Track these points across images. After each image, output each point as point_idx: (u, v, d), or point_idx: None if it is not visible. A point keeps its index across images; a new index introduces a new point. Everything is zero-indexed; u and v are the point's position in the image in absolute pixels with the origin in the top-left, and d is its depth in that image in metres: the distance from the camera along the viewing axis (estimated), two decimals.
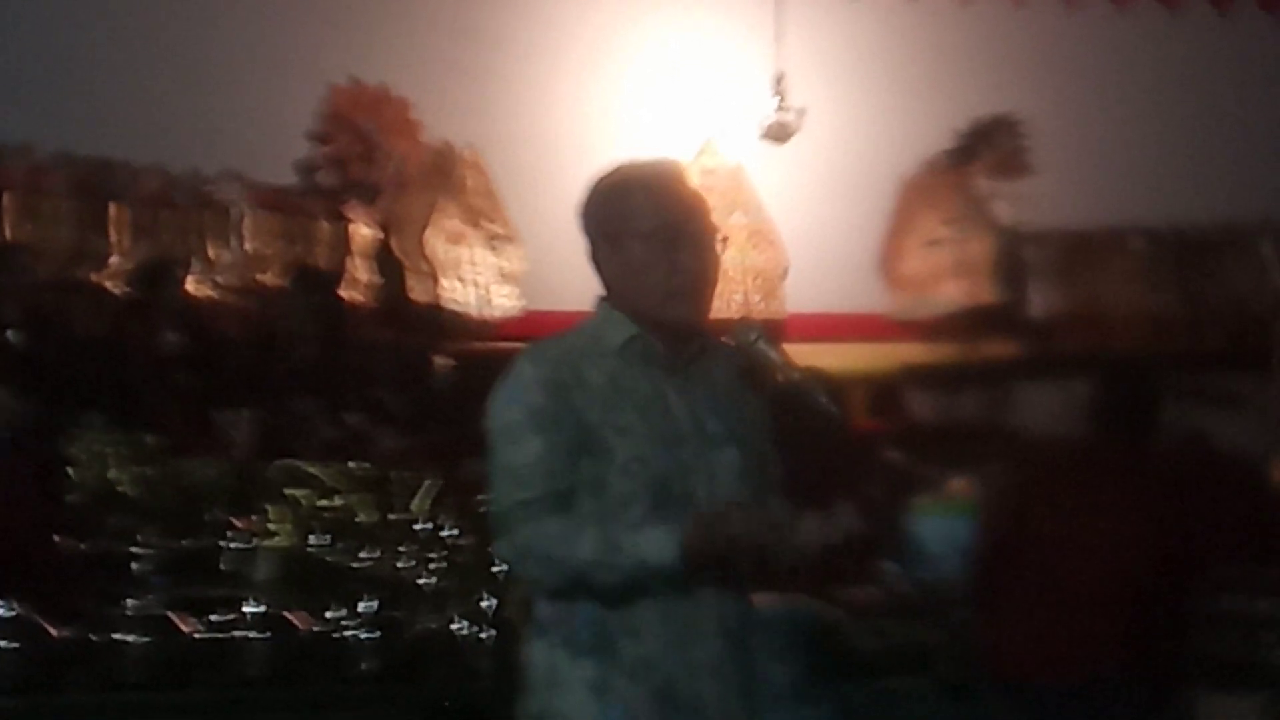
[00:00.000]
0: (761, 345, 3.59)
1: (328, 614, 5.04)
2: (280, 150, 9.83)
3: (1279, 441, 8.37)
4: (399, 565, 5.67)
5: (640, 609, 3.44)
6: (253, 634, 4.90)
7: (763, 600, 3.69)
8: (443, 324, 9.96)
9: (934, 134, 10.75)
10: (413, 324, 9.85)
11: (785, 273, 10.57)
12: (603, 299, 3.60)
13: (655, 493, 3.45)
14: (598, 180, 3.64)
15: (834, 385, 3.69)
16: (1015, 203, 10.71)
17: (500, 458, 3.47)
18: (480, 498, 6.20)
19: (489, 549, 5.60)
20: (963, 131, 10.76)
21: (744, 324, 3.66)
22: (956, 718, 5.13)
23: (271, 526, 6.20)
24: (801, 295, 10.44)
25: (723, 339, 3.66)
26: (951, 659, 5.59)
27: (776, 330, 3.46)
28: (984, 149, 10.74)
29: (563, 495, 3.43)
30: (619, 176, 3.63)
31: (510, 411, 3.47)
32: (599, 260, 3.60)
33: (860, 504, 3.52)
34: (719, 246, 3.61)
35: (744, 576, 3.52)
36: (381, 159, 10.05)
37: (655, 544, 3.38)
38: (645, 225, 3.54)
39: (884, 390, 9.93)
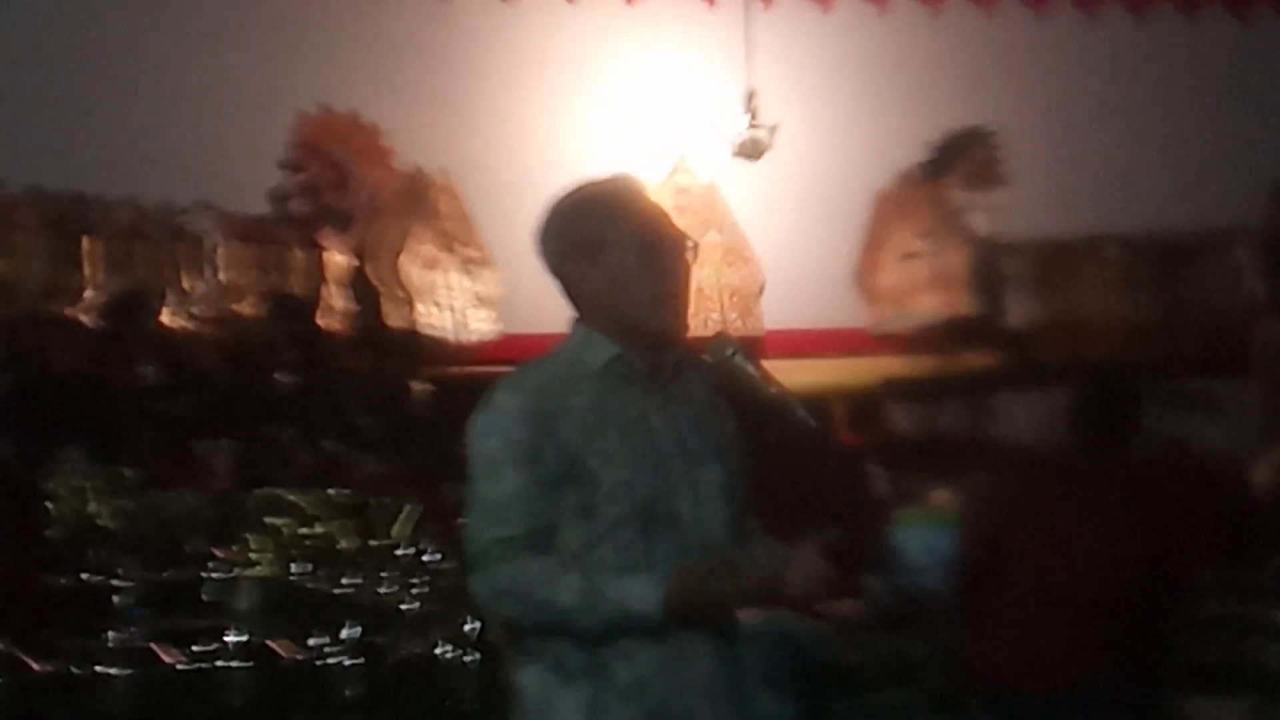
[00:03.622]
0: (738, 360, 3.58)
1: (311, 641, 5.03)
2: (252, 179, 9.82)
3: (1258, 446, 8.37)
4: (381, 591, 5.67)
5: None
6: (236, 663, 4.89)
7: (747, 616, 3.68)
8: (420, 349, 9.95)
9: (907, 147, 10.75)
10: (390, 350, 9.84)
11: (761, 290, 10.57)
12: (577, 320, 3.57)
13: (642, 515, 3.42)
14: (561, 200, 3.60)
15: (811, 401, 3.68)
16: (990, 214, 10.71)
17: (478, 491, 3.43)
18: (461, 522, 6.24)
19: None
20: (936, 144, 10.77)
21: (720, 339, 3.64)
22: None
23: (253, 555, 6.21)
24: (779, 312, 10.45)
25: (699, 355, 3.65)
26: (937, 670, 5.58)
27: (755, 347, 3.47)
28: (958, 161, 10.75)
29: (542, 531, 3.39)
30: (590, 192, 3.61)
31: (489, 444, 3.43)
32: (573, 279, 3.55)
33: (836, 527, 3.50)
34: (689, 255, 3.60)
35: (724, 621, 3.50)
36: (354, 186, 10.05)
37: (638, 594, 3.35)
38: (627, 235, 3.51)
39: (864, 404, 9.94)
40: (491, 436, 3.43)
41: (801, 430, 3.51)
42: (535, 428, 3.41)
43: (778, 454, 3.65)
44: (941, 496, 7.51)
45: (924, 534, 6.70)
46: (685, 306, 3.58)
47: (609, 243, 3.51)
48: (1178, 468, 6.51)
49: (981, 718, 5.51)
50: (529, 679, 3.48)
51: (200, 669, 4.87)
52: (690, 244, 3.61)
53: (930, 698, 5.53)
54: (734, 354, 3.59)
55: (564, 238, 3.56)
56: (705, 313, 9.98)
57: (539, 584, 3.37)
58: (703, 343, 3.63)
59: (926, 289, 10.76)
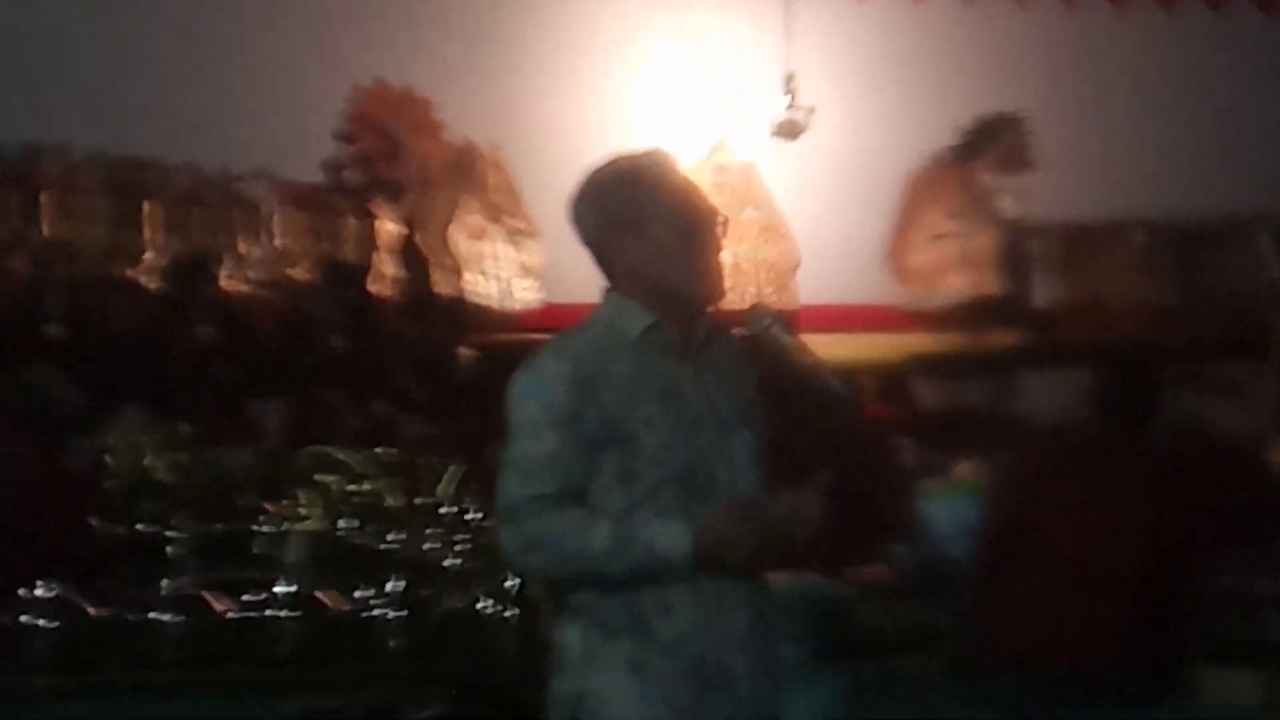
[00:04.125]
0: (775, 330, 3.57)
1: (356, 594, 5.03)
2: (308, 149, 9.85)
3: (1276, 427, 8.33)
4: (425, 547, 5.66)
5: (672, 587, 3.41)
6: (284, 613, 4.88)
7: (777, 579, 3.67)
8: (466, 316, 9.96)
9: (939, 131, 10.72)
10: (437, 316, 9.85)
11: (797, 266, 10.56)
12: (611, 290, 3.56)
13: (682, 478, 3.42)
14: (598, 173, 3.59)
15: (843, 373, 3.66)
16: (1019, 197, 10.70)
17: (516, 450, 3.42)
18: None
19: None
20: (967, 128, 10.74)
21: (758, 310, 3.63)
22: (962, 697, 5.10)
23: (302, 511, 6.20)
24: (813, 287, 10.43)
25: (738, 326, 3.63)
26: (958, 638, 5.56)
27: (790, 321, 3.45)
28: (988, 145, 10.72)
29: (573, 493, 3.39)
30: (627, 166, 3.59)
31: (530, 406, 3.42)
32: (610, 250, 3.54)
33: (852, 480, 3.50)
34: (720, 229, 3.59)
35: (752, 566, 3.48)
36: (406, 158, 10.05)
37: (668, 537, 3.35)
38: (665, 210, 3.51)
39: (893, 378, 9.93)
40: (532, 399, 3.43)
41: (835, 399, 3.50)
42: (575, 392, 3.40)
43: (811, 422, 3.63)
44: (966, 469, 7.48)
45: (949, 505, 6.67)
46: (718, 278, 3.57)
47: (648, 217, 3.51)
48: (1197, 448, 6.47)
49: (1000, 686, 5.48)
50: (571, 636, 3.47)
51: (249, 618, 4.87)
52: (721, 219, 3.60)
53: (951, 664, 5.51)
54: (771, 324, 3.58)
55: (602, 210, 3.55)
56: (742, 287, 9.95)
57: (570, 533, 3.36)
58: (740, 316, 3.61)
59: (955, 269, 10.75)
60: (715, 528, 3.35)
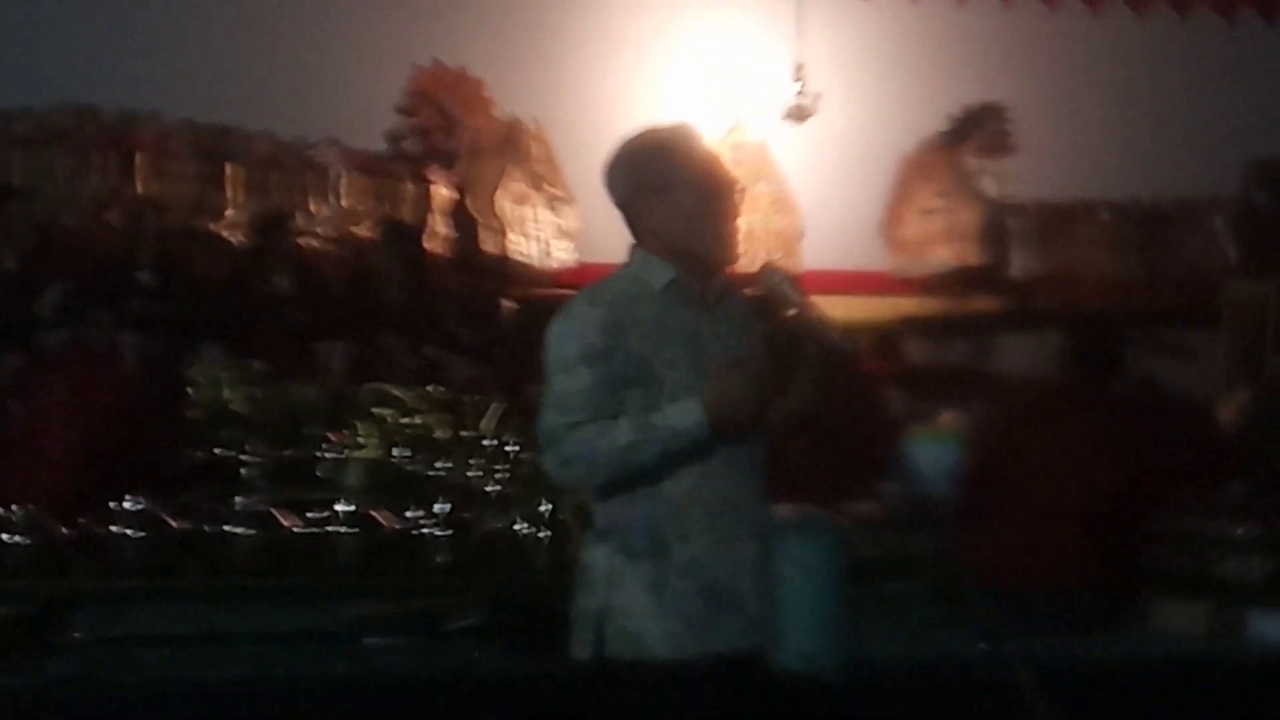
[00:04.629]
0: (785, 287, 3.52)
1: (408, 514, 4.99)
2: (372, 121, 9.86)
3: (1223, 389, 8.28)
4: (469, 475, 5.63)
5: (690, 516, 3.38)
6: (343, 530, 4.86)
7: (780, 511, 3.64)
8: (509, 272, 9.95)
9: (931, 117, 10.70)
10: (484, 272, 9.84)
11: (802, 235, 10.55)
12: (637, 246, 3.52)
13: None
14: (630, 142, 3.55)
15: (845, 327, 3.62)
16: (1000, 178, 10.69)
17: (553, 385, 3.39)
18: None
19: None
20: (955, 116, 10.71)
21: (769, 269, 3.59)
22: (945, 618, 5.06)
23: (360, 440, 6.18)
24: (816, 254, 10.39)
25: (750, 286, 3.59)
26: (941, 566, 5.53)
27: (796, 282, 3.44)
28: (974, 131, 10.69)
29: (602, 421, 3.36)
30: (656, 137, 3.55)
31: (567, 345, 3.38)
32: (639, 211, 3.50)
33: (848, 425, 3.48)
34: (738, 195, 3.55)
35: (761, 423, 3.42)
36: (459, 131, 10.05)
37: (681, 411, 3.32)
38: (689, 177, 3.48)
39: (885, 337, 9.90)
40: (569, 340, 3.39)
41: (836, 349, 3.46)
42: (607, 333, 3.37)
43: (813, 369, 3.59)
44: (949, 418, 7.44)
45: (933, 449, 6.61)
46: (734, 241, 3.53)
47: (674, 183, 3.47)
48: (1153, 404, 6.43)
49: (979, 609, 5.44)
50: (598, 557, 3.44)
51: (313, 533, 4.84)
52: (739, 187, 3.58)
53: (935, 590, 5.47)
54: (780, 282, 3.54)
55: (632, 175, 3.51)
56: (754, 252, 9.87)
57: (597, 438, 3.33)
58: (753, 278, 3.57)
59: (942, 241, 10.73)
60: (719, 388, 3.31)
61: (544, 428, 3.40)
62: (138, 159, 9.20)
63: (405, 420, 6.17)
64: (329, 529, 4.87)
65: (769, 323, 3.59)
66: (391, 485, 5.56)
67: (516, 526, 5.00)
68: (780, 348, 3.63)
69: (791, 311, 3.50)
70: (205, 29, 9.77)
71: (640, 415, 3.32)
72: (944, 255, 10.69)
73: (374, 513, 4.97)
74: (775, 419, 3.49)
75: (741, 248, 3.62)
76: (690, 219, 3.47)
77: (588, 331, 3.37)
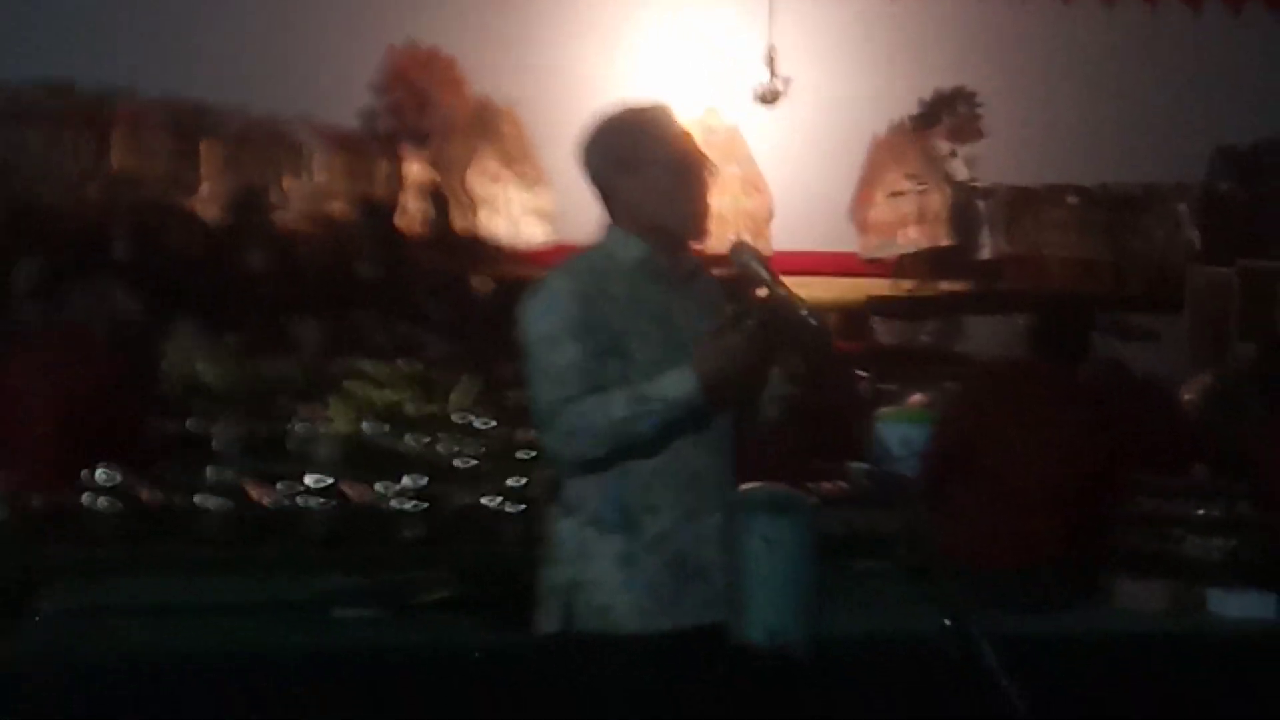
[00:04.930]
0: (755, 265, 3.51)
1: (378, 487, 4.97)
2: (346, 99, 9.82)
3: (1186, 372, 8.32)
4: (440, 450, 5.61)
5: (658, 490, 3.38)
6: (315, 502, 4.84)
7: (749, 487, 3.63)
8: (481, 251, 9.93)
9: (901, 102, 10.71)
10: (456, 250, 9.81)
11: (771, 216, 10.55)
12: (610, 224, 3.51)
13: None
14: (605, 120, 3.54)
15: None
16: (969, 162, 10.70)
17: (541, 361, 3.37)
18: (508, 393, 6.18)
19: (516, 436, 5.56)
20: (926, 100, 10.72)
21: (740, 246, 3.57)
22: (913, 596, 5.07)
23: (332, 414, 6.14)
24: (785, 236, 10.38)
25: (720, 266, 3.58)
26: (907, 545, 5.54)
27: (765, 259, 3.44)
28: (944, 115, 10.71)
29: (597, 392, 3.34)
30: (630, 115, 3.54)
31: (549, 320, 3.37)
32: (611, 188, 3.49)
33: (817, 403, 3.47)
34: (710, 174, 3.54)
35: (749, 385, 3.43)
36: (432, 109, 10.02)
37: (674, 381, 3.32)
38: (661, 155, 3.47)
39: (854, 318, 9.92)
40: (550, 314, 3.38)
41: (804, 326, 3.45)
42: (585, 306, 3.37)
43: (785, 347, 3.58)
44: (917, 398, 7.45)
45: (901, 429, 6.64)
46: (704, 218, 3.53)
47: (645, 161, 3.46)
48: (1118, 385, 6.46)
49: (945, 587, 5.46)
50: (567, 531, 3.43)
51: (284, 505, 4.82)
52: (711, 166, 3.56)
53: (901, 568, 5.48)
54: (750, 259, 3.53)
55: (606, 153, 3.51)
56: (724, 234, 9.88)
57: (594, 412, 3.32)
58: (724, 259, 3.56)
59: (911, 223, 10.73)
60: (709, 355, 3.32)
61: (540, 405, 3.38)
62: (114, 135, 9.16)
63: (376, 394, 6.14)
64: (300, 502, 4.85)
65: (740, 301, 3.57)
66: (363, 459, 5.53)
67: (487, 500, 4.99)
68: (752, 326, 3.61)
69: (761, 288, 3.50)
70: (180, 6, 9.71)
71: (631, 387, 3.32)
72: (913, 237, 10.70)
73: (345, 486, 4.95)
74: (772, 407, 3.48)
75: (712, 228, 3.61)
76: (662, 196, 3.46)
77: (566, 303, 3.37)
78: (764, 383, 3.47)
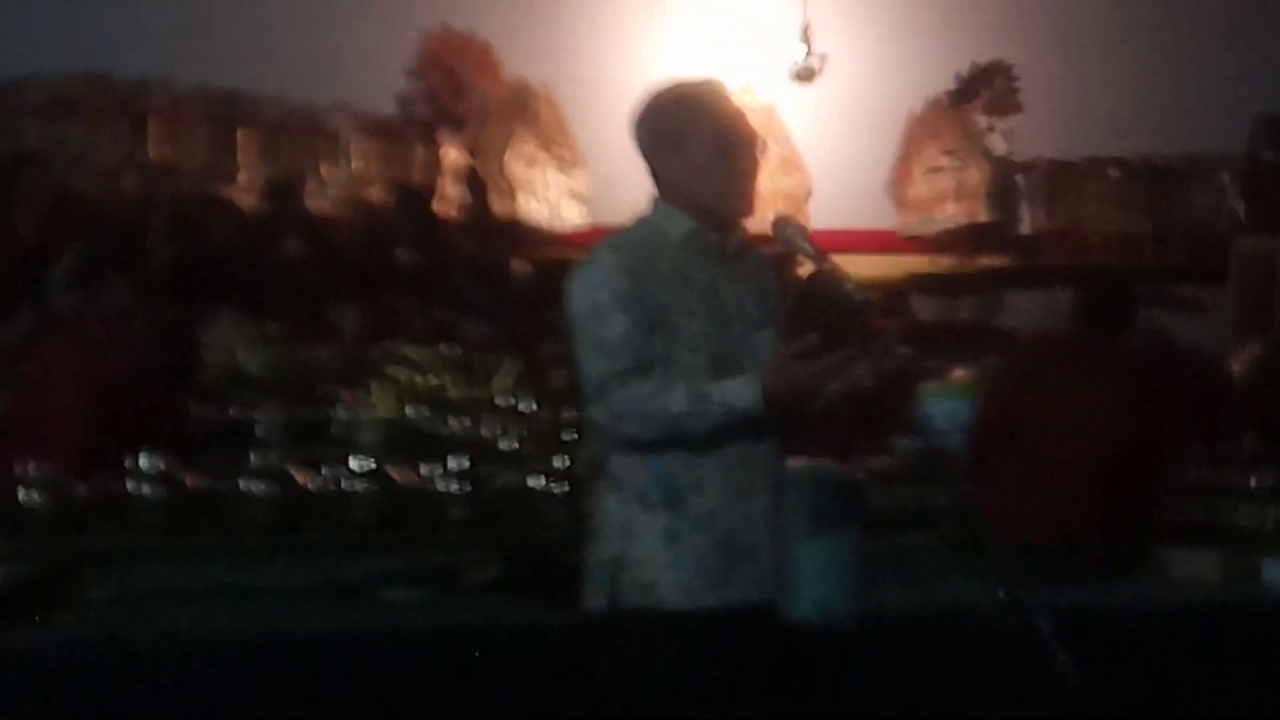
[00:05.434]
0: (799, 240, 3.48)
1: (423, 470, 4.95)
2: (382, 85, 9.83)
3: (1232, 342, 8.25)
4: (484, 433, 5.59)
5: (704, 467, 3.34)
6: (359, 486, 4.82)
7: (796, 463, 3.59)
8: (519, 234, 9.94)
9: (938, 77, 10.67)
10: (494, 234, 9.82)
11: (809, 194, 10.53)
12: (658, 198, 3.48)
13: (714, 366, 3.35)
14: (656, 94, 3.51)
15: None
16: (1007, 136, 10.66)
17: (590, 334, 3.34)
18: (549, 375, 6.17)
19: (559, 418, 5.54)
20: (962, 74, 10.67)
21: (783, 221, 3.54)
22: (961, 570, 5.03)
23: (374, 399, 6.14)
24: (823, 214, 10.35)
25: (764, 238, 3.55)
26: (954, 519, 5.50)
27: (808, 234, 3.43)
28: (981, 89, 10.68)
29: (646, 366, 3.31)
30: (679, 90, 3.52)
31: (597, 293, 3.33)
32: (657, 163, 3.47)
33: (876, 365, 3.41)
34: (759, 151, 3.50)
35: (808, 414, 3.40)
36: (468, 94, 10.03)
37: (738, 390, 3.28)
38: (706, 131, 3.43)
39: (894, 295, 9.88)
40: (598, 287, 3.34)
41: (848, 300, 3.41)
42: (633, 279, 3.33)
43: (828, 322, 3.55)
44: (960, 373, 7.40)
45: (945, 403, 6.59)
46: (751, 194, 3.48)
47: (690, 136, 3.42)
48: (1165, 357, 6.41)
49: (994, 560, 5.41)
50: (613, 507, 3.40)
51: (329, 490, 4.81)
52: (761, 142, 3.51)
53: (948, 542, 5.44)
54: (794, 234, 3.50)
55: (652, 127, 3.47)
56: (761, 212, 9.84)
57: (650, 399, 3.28)
58: (767, 238, 3.53)
59: (949, 199, 10.71)
60: (781, 374, 3.27)
61: (591, 377, 3.35)
62: (150, 125, 9.18)
63: (418, 379, 6.13)
64: (345, 485, 4.84)
65: (785, 278, 3.54)
66: (406, 443, 5.52)
67: (532, 481, 4.97)
68: (796, 302, 3.59)
69: (805, 263, 3.46)
70: None
71: (693, 385, 3.28)
72: (951, 213, 10.67)
73: (390, 469, 4.93)
74: (830, 403, 3.44)
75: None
76: (705, 172, 3.42)
77: (614, 276, 3.33)
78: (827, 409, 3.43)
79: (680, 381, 3.29)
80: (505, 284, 9.18)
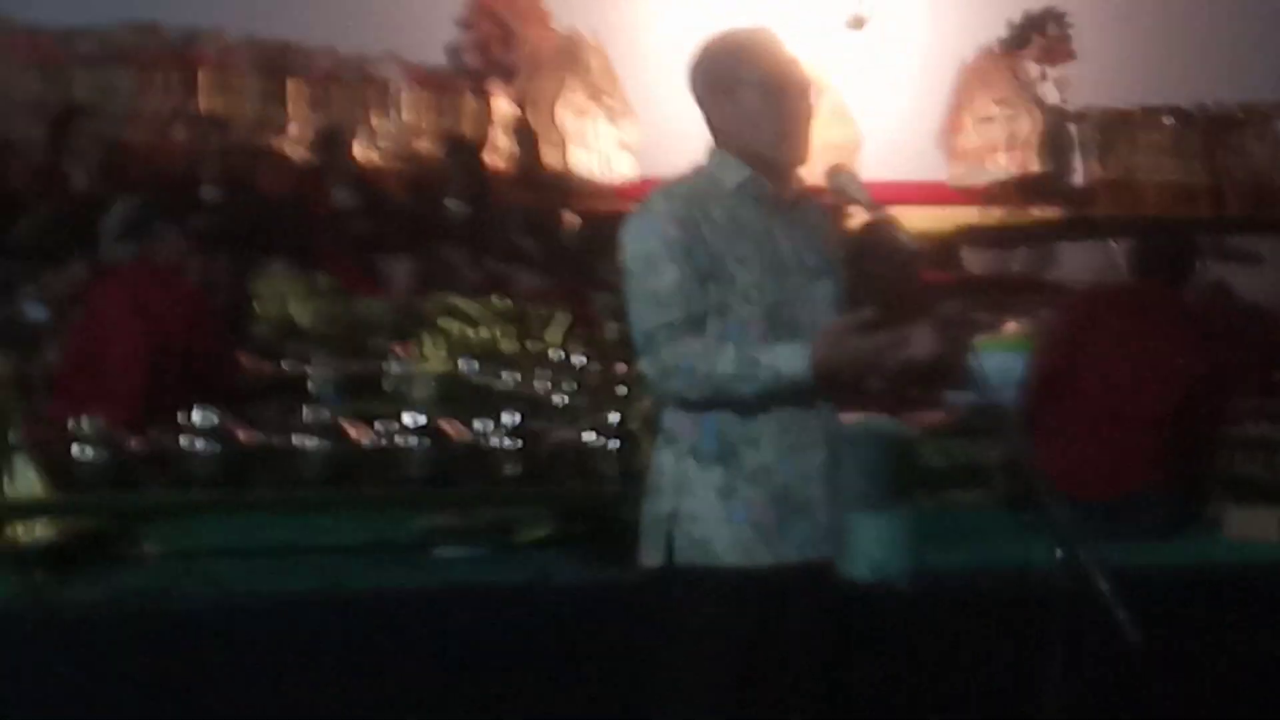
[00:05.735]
0: (852, 187, 3.44)
1: (476, 425, 4.92)
2: (432, 35, 9.79)
3: None
4: (536, 386, 5.56)
5: (759, 422, 3.30)
6: (413, 441, 4.79)
7: (850, 418, 3.55)
8: (570, 186, 9.90)
9: (990, 24, 10.56)
10: (545, 186, 9.79)
11: (859, 146, 10.43)
12: (714, 146, 3.43)
13: (769, 316, 3.30)
14: (709, 42, 3.47)
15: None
16: (1060, 85, 10.55)
17: (641, 285, 3.30)
18: (601, 328, 6.12)
19: (612, 372, 5.49)
20: (1015, 22, 10.57)
21: (837, 169, 3.50)
22: (1016, 526, 4.97)
23: (425, 352, 6.10)
24: (874, 165, 10.25)
25: (819, 187, 3.50)
26: (1010, 475, 5.44)
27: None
28: (1033, 37, 10.59)
29: (697, 318, 3.27)
30: (730, 37, 3.47)
31: (649, 243, 3.29)
32: (710, 110, 3.42)
33: (937, 326, 3.36)
34: (813, 98, 3.44)
35: (858, 383, 3.36)
36: (518, 44, 10.01)
37: (788, 357, 3.24)
38: (756, 78, 3.37)
39: (946, 247, 9.81)
40: (650, 237, 3.29)
41: (903, 248, 3.37)
42: (685, 228, 3.28)
43: (881, 269, 3.50)
44: (1013, 326, 7.33)
45: (999, 357, 6.51)
46: (805, 141, 3.42)
47: (740, 83, 3.37)
48: (1224, 308, 6.33)
49: (1050, 516, 5.35)
50: (667, 462, 3.36)
51: (382, 444, 4.78)
52: (814, 88, 3.45)
53: (1003, 498, 5.39)
54: (848, 181, 3.46)
55: (704, 74, 3.43)
56: (811, 165, 9.78)
57: (700, 359, 3.24)
58: (819, 190, 3.47)
59: (1001, 149, 10.62)
60: (833, 346, 3.22)
61: (639, 330, 3.31)
62: (200, 76, 9.17)
63: (470, 332, 6.10)
64: (399, 440, 4.81)
65: (838, 226, 3.49)
66: (459, 397, 5.49)
67: (585, 436, 4.93)
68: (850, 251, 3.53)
69: (859, 210, 3.42)
70: None
71: (743, 348, 3.24)
72: (1003, 164, 10.58)
73: (443, 423, 4.90)
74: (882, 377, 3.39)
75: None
76: (752, 119, 3.37)
77: (667, 226, 3.29)
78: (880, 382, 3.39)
79: (730, 343, 3.25)
80: (555, 235, 9.15)
